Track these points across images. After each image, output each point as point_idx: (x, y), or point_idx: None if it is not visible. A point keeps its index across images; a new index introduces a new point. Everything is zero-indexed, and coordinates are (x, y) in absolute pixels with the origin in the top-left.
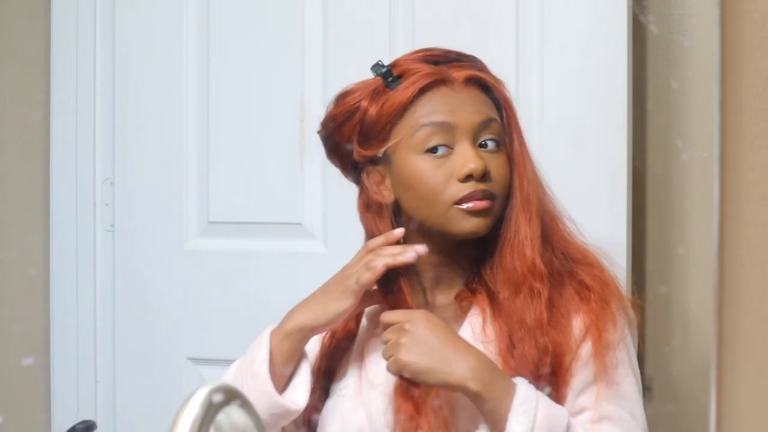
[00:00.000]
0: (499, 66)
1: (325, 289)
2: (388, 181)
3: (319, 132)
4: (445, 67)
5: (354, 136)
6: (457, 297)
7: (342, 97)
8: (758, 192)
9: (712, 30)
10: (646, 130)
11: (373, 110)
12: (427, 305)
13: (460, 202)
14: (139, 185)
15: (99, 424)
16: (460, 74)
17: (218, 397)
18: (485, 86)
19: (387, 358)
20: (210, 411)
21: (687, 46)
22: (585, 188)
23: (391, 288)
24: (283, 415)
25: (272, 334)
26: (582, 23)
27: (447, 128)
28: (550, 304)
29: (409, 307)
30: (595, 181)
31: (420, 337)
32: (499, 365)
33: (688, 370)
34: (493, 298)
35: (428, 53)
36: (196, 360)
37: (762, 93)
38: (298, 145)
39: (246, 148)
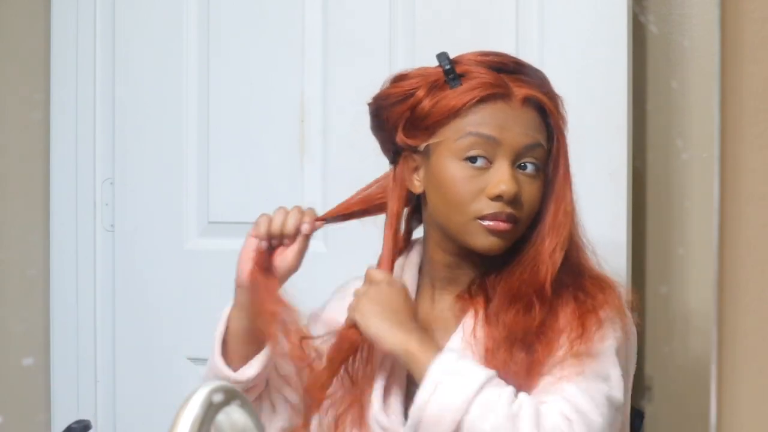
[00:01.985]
0: None
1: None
2: (422, 173)
3: (369, 104)
4: (508, 78)
5: (401, 121)
6: (456, 298)
7: (399, 78)
8: (758, 192)
9: (712, 30)
10: (646, 130)
11: (426, 103)
12: (433, 303)
13: (483, 218)
14: (139, 185)
15: (99, 424)
16: (520, 92)
17: (218, 397)
18: (542, 108)
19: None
20: (210, 411)
21: (687, 46)
22: (585, 188)
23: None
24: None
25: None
26: (582, 23)
27: (492, 143)
28: (544, 322)
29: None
30: (595, 181)
31: (378, 299)
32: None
33: (688, 370)
34: (488, 303)
35: (495, 59)
36: (196, 360)
37: (762, 93)
38: (298, 145)
39: (246, 148)
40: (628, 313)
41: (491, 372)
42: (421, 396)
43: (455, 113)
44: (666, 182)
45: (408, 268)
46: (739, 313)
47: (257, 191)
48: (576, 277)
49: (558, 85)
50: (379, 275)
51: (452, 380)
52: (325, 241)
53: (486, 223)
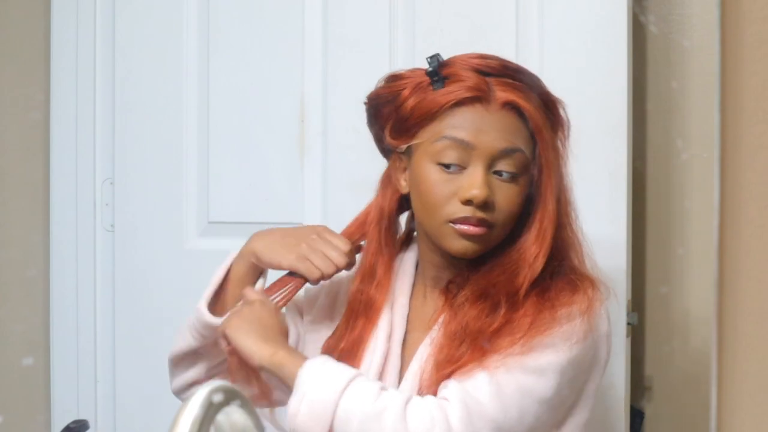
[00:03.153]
0: None
1: (289, 234)
2: (408, 174)
3: (364, 102)
4: (493, 81)
5: (389, 121)
6: (441, 293)
7: (392, 78)
8: (758, 192)
9: (712, 30)
10: (646, 130)
11: (409, 103)
12: (425, 300)
13: (454, 221)
14: (139, 185)
15: (99, 424)
16: (501, 96)
17: (218, 397)
18: (523, 114)
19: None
20: (210, 411)
21: (687, 46)
22: (585, 188)
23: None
24: (204, 329)
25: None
26: (582, 23)
27: (465, 147)
28: (502, 321)
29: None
30: (595, 181)
31: (249, 318)
32: (428, 355)
33: (688, 370)
34: (455, 297)
35: (484, 62)
36: None
37: (762, 93)
38: (298, 145)
39: (246, 148)
40: (603, 316)
41: (353, 371)
42: (292, 405)
43: (432, 115)
44: (666, 182)
45: (404, 267)
46: (739, 313)
47: (257, 191)
48: (552, 278)
49: (558, 86)
50: (254, 295)
51: (317, 386)
52: None
53: (457, 226)
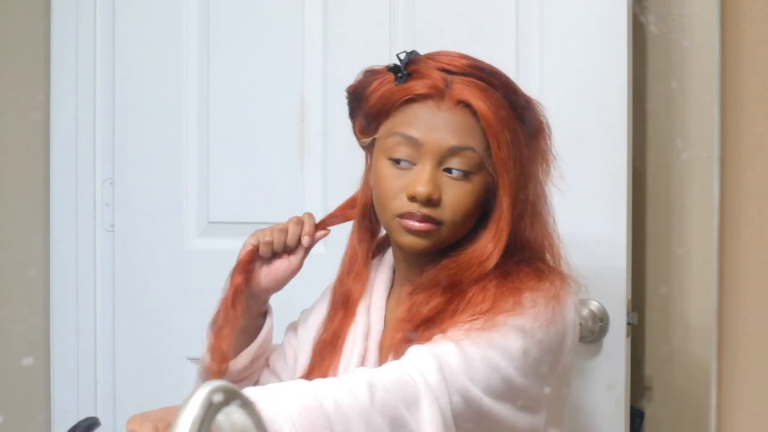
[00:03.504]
0: (499, 66)
1: None
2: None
3: (345, 95)
4: (455, 79)
5: (360, 114)
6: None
7: (368, 72)
8: (758, 192)
9: (712, 30)
10: (646, 130)
11: (374, 97)
12: (399, 299)
13: (401, 216)
14: (139, 185)
15: None
16: (456, 94)
17: (218, 397)
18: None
19: None
20: (210, 411)
21: (687, 46)
22: (585, 188)
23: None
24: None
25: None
26: (582, 23)
27: (414, 144)
28: (446, 302)
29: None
30: (595, 181)
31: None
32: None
33: (688, 370)
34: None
35: (449, 59)
36: (196, 360)
37: (762, 93)
38: (298, 145)
39: (246, 148)
40: (571, 305)
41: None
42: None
43: (388, 111)
44: (666, 182)
45: (383, 266)
46: (739, 313)
47: (257, 191)
48: (517, 265)
49: (558, 86)
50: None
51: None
52: (324, 241)
53: (403, 221)
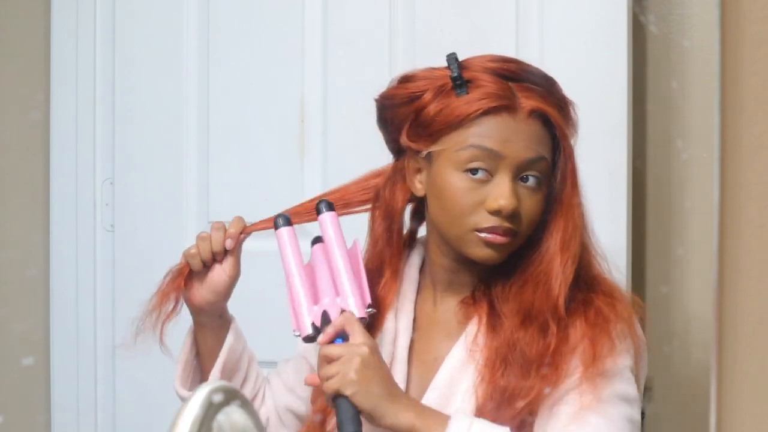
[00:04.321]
0: None
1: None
2: (424, 176)
3: (375, 100)
4: (516, 87)
5: (406, 123)
6: (461, 303)
7: (406, 79)
8: (758, 192)
9: (712, 30)
10: (646, 130)
11: (432, 108)
12: (435, 305)
13: (480, 230)
14: (139, 185)
15: (99, 424)
16: (527, 104)
17: (218, 397)
18: (548, 120)
19: (332, 390)
20: (210, 411)
21: (687, 46)
22: (585, 188)
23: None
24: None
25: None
26: (582, 23)
27: (493, 156)
28: (557, 342)
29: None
30: (595, 181)
31: (369, 374)
32: (478, 375)
33: (688, 370)
34: (492, 311)
35: (504, 65)
36: None
37: (762, 93)
38: (298, 145)
39: (246, 148)
40: (638, 325)
41: (505, 429)
42: None
43: (459, 123)
44: (666, 182)
45: (409, 268)
46: (739, 313)
47: (257, 191)
48: (587, 293)
49: None
50: (360, 336)
51: None
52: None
53: (483, 235)
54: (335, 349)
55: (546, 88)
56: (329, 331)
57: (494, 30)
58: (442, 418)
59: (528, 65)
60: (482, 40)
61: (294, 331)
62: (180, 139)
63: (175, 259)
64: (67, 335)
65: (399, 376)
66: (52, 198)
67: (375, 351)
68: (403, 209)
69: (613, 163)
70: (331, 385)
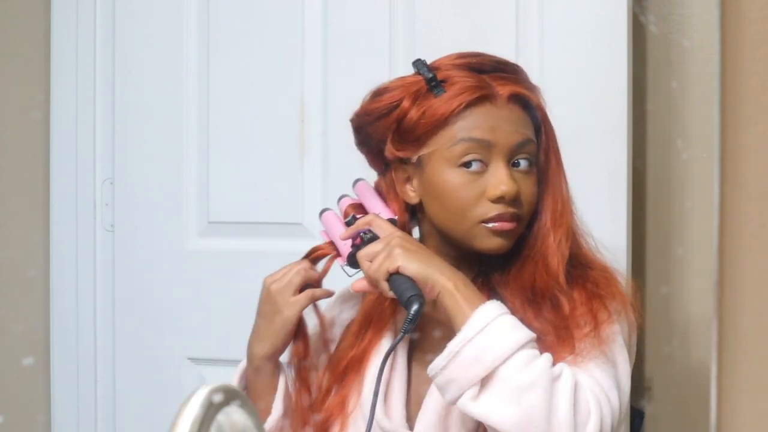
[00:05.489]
0: None
1: (261, 312)
2: (415, 183)
3: (351, 120)
4: (489, 78)
5: (389, 134)
6: None
7: (379, 93)
8: (758, 192)
9: (712, 30)
10: (646, 130)
11: (413, 114)
12: (435, 305)
13: (487, 221)
14: (139, 185)
15: (99, 424)
16: (504, 90)
17: (218, 397)
18: (527, 103)
19: (383, 271)
20: (210, 411)
21: (687, 46)
22: (585, 188)
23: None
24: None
25: (244, 372)
26: (582, 23)
27: (485, 145)
28: (563, 312)
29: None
30: (595, 181)
31: (411, 248)
32: None
33: (688, 370)
34: (494, 297)
35: (472, 60)
36: (196, 360)
37: (762, 93)
38: (298, 145)
39: (246, 148)
40: (630, 310)
41: (534, 335)
42: (465, 332)
43: (444, 121)
44: (666, 182)
45: None
46: (739, 313)
47: (257, 191)
48: (583, 269)
49: (558, 86)
50: (389, 227)
51: (501, 328)
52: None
53: (491, 225)
54: (371, 247)
55: (516, 74)
56: (353, 227)
57: (494, 30)
58: (476, 299)
59: (493, 56)
60: (482, 40)
61: (341, 265)
62: (180, 139)
63: (175, 259)
64: (67, 335)
65: (400, 376)
66: (52, 198)
67: (407, 235)
68: (406, 222)
69: (613, 163)
70: (380, 268)
